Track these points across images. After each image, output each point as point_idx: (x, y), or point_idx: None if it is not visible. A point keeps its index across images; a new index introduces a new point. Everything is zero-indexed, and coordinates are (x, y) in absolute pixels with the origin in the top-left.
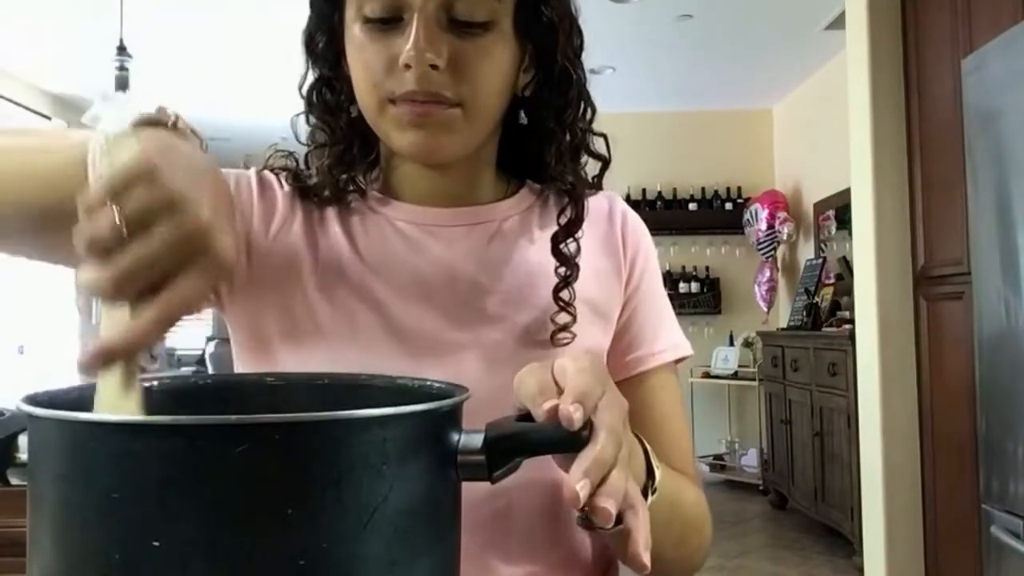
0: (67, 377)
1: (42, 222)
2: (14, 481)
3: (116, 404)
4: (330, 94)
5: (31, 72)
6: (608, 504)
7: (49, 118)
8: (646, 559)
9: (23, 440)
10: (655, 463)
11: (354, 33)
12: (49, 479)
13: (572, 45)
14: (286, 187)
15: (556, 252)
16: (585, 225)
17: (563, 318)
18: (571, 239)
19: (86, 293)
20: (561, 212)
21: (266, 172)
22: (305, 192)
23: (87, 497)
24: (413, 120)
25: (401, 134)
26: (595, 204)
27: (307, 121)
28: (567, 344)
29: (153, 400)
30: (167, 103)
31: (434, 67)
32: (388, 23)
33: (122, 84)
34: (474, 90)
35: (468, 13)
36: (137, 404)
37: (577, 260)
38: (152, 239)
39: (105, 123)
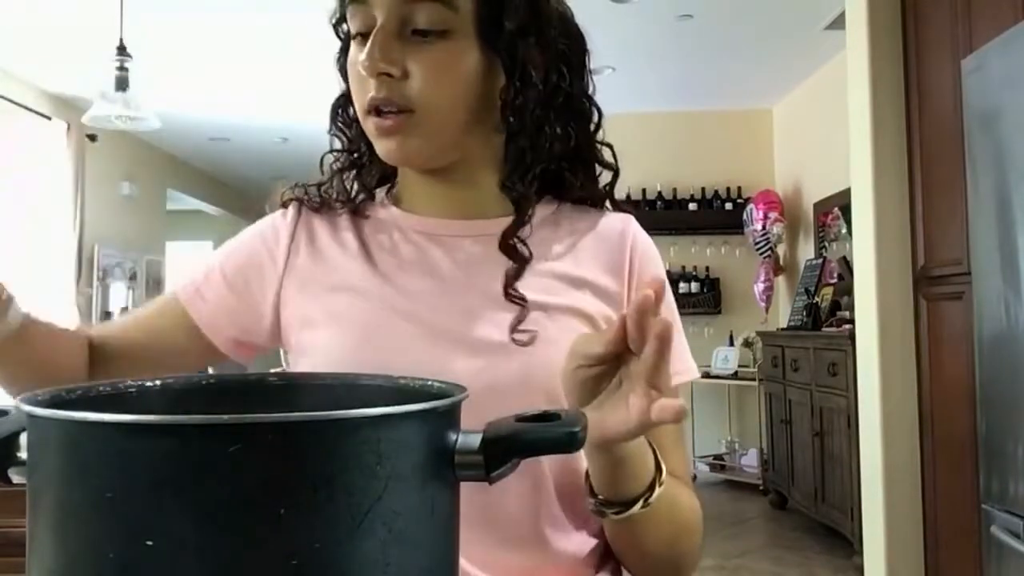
0: None
1: None
2: (16, 479)
3: None
4: (350, 108)
5: (31, 72)
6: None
7: (49, 118)
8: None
9: (23, 439)
10: (661, 460)
11: (351, 50)
12: (47, 478)
13: (550, 52)
14: (293, 213)
15: (504, 246)
16: (594, 242)
17: (519, 314)
18: (516, 239)
19: None
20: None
21: (280, 210)
22: (318, 207)
23: (82, 496)
24: (379, 131)
25: (377, 142)
26: (608, 223)
27: (328, 131)
28: (526, 345)
29: (153, 400)
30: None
31: (388, 75)
32: (366, 37)
33: (122, 84)
34: (427, 94)
35: (424, 22)
36: None
37: (528, 259)
38: None
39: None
